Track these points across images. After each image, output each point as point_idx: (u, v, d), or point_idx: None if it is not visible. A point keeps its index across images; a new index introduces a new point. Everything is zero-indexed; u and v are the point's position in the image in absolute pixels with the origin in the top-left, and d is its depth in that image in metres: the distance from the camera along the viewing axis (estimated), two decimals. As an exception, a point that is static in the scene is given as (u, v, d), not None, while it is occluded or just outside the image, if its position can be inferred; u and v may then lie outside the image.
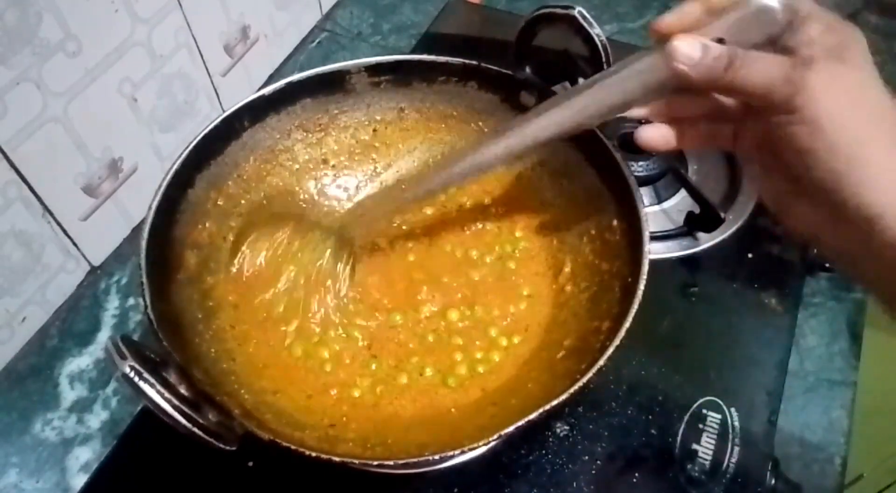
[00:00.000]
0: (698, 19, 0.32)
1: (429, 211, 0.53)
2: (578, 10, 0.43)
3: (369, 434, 0.41)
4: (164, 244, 0.42)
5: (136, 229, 0.61)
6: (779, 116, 0.30)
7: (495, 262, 0.51)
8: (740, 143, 0.35)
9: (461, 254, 0.51)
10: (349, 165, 0.54)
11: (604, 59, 0.43)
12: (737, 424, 0.48)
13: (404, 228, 0.52)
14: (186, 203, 0.45)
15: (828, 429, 0.50)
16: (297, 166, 0.53)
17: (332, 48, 0.78)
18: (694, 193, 0.58)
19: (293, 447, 0.34)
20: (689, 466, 0.46)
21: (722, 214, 0.56)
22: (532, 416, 0.34)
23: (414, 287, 0.49)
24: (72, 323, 0.57)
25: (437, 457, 0.36)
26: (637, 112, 0.36)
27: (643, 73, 0.33)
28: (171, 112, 0.61)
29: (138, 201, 0.59)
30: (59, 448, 0.50)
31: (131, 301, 0.58)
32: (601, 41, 0.42)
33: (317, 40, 0.79)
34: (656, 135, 0.36)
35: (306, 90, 0.50)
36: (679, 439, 0.47)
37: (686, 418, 0.48)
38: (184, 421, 0.31)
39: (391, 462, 0.35)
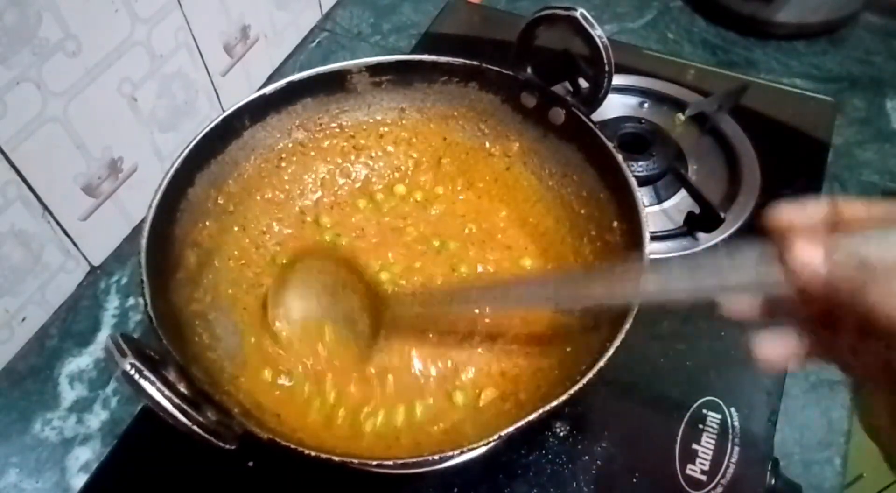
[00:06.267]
0: (826, 222, 0.26)
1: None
2: (580, 12, 0.42)
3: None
4: (164, 243, 0.42)
5: (136, 229, 0.61)
6: None
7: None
8: (861, 358, 0.27)
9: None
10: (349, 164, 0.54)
11: (605, 60, 0.43)
12: (737, 424, 0.48)
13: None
14: (187, 202, 0.45)
15: (828, 429, 0.50)
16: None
17: (332, 48, 0.78)
18: (694, 193, 0.58)
19: (292, 447, 0.34)
20: (689, 466, 0.46)
21: (722, 214, 0.55)
22: (532, 416, 0.34)
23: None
24: (71, 323, 0.56)
25: (436, 457, 0.36)
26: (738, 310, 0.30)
27: (749, 270, 0.27)
28: (171, 112, 0.61)
29: (138, 201, 0.59)
30: (58, 448, 0.50)
31: (131, 301, 0.58)
32: (602, 42, 0.42)
33: (317, 40, 0.79)
34: (781, 351, 0.28)
35: (307, 90, 0.50)
36: (679, 439, 0.47)
37: (686, 418, 0.48)
38: (183, 419, 0.31)
39: (390, 462, 0.35)
